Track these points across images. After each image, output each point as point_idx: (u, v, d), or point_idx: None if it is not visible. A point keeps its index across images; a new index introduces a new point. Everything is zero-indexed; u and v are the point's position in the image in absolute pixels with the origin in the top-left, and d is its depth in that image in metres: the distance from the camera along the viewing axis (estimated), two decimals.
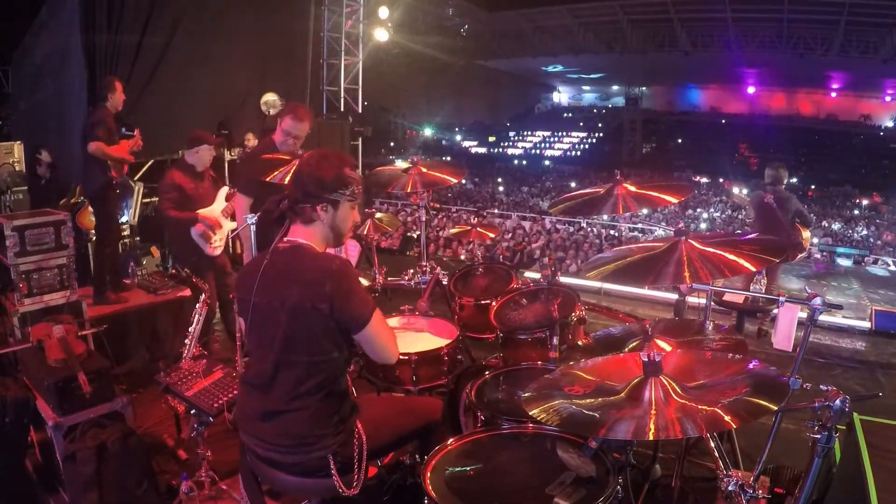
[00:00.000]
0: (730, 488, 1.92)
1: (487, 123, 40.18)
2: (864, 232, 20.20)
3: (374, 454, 2.17)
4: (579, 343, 3.02)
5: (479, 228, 4.45)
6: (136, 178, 6.82)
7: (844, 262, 14.26)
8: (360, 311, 1.96)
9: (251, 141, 7.66)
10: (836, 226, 20.98)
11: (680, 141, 35.10)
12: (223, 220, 4.44)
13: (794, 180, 29.75)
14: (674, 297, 4.27)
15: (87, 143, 4.47)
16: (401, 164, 3.67)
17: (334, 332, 1.97)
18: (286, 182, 3.21)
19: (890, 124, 31.19)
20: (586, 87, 41.27)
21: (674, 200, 2.92)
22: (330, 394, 2.02)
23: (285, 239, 2.06)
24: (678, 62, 27.45)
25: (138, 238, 6.55)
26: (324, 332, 1.95)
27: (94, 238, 5.09)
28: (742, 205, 6.52)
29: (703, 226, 19.88)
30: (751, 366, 1.81)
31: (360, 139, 10.97)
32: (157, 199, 7.56)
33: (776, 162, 6.19)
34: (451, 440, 2.11)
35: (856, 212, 24.85)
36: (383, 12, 11.22)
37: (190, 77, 7.24)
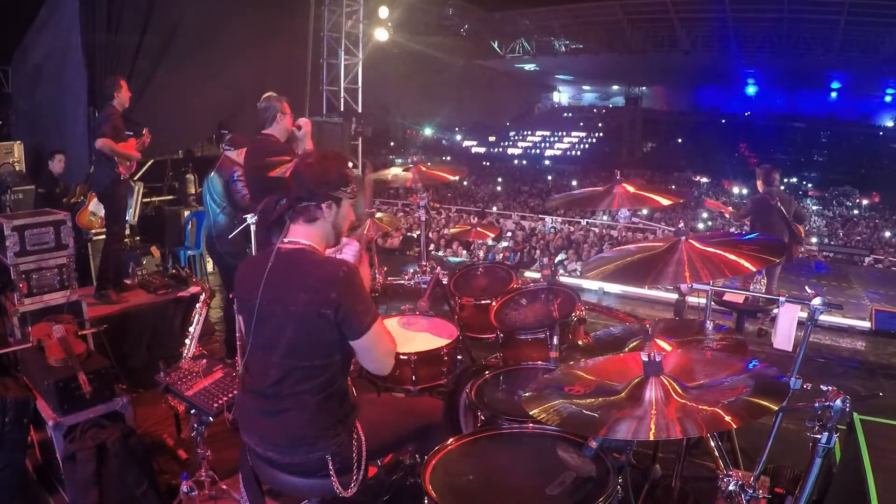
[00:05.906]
0: (730, 488, 1.92)
1: (487, 123, 40.17)
2: (865, 231, 20.19)
3: (373, 455, 2.16)
4: (579, 343, 3.01)
5: (479, 228, 4.45)
6: (135, 178, 6.82)
7: (843, 262, 14.25)
8: (360, 320, 1.96)
9: None
10: (836, 226, 20.98)
11: (680, 141, 35.09)
12: None
13: (794, 180, 29.81)
14: (674, 297, 4.26)
15: (95, 140, 4.55)
16: (401, 164, 3.67)
17: (338, 336, 1.97)
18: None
19: (890, 124, 31.20)
20: (586, 87, 41.26)
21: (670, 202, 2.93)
22: (330, 395, 2.02)
23: (286, 240, 2.06)
24: (678, 62, 27.47)
25: (138, 238, 6.55)
26: (329, 337, 1.96)
27: (105, 233, 5.12)
28: (716, 211, 6.55)
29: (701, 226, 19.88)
30: (751, 366, 1.81)
31: (360, 139, 10.98)
32: (156, 198, 7.66)
33: (765, 164, 6.26)
34: (451, 440, 2.10)
35: (855, 211, 24.86)
36: (383, 12, 11.23)
37: (190, 77, 7.24)
